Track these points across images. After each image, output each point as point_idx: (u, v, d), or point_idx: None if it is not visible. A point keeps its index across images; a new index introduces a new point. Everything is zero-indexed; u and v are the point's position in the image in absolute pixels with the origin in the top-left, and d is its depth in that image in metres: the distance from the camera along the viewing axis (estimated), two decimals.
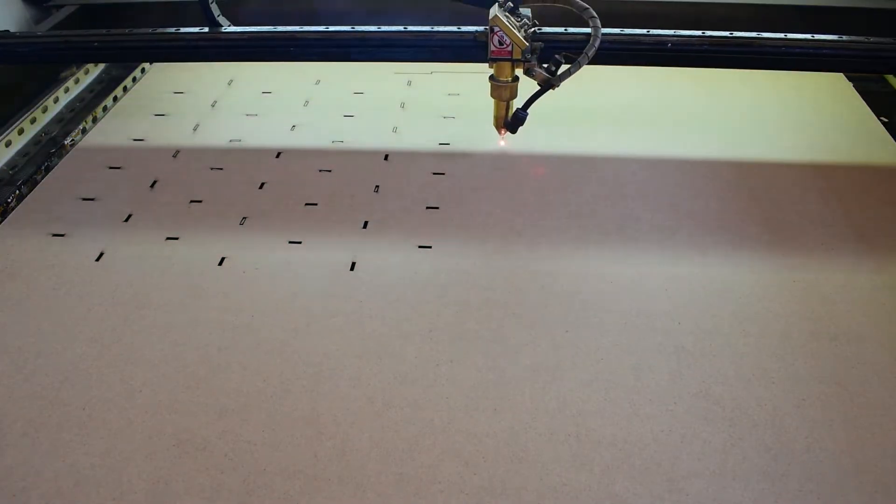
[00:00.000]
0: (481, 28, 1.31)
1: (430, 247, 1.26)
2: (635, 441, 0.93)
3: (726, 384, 1.00)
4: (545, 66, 1.24)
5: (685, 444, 0.93)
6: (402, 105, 1.71)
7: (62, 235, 1.32)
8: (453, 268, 1.21)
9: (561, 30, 1.33)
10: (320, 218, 1.34)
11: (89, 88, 1.88)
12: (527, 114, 1.30)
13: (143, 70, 1.93)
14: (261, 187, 1.42)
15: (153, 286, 1.19)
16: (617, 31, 1.35)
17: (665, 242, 1.26)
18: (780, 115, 1.63)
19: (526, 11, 1.31)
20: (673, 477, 0.89)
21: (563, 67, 1.22)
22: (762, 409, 0.97)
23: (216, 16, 1.60)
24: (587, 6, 1.27)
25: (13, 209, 1.40)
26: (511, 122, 1.32)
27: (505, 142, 1.45)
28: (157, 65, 1.97)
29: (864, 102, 1.66)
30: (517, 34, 1.21)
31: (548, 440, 0.93)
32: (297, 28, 1.52)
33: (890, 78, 1.84)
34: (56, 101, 1.79)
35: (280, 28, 1.52)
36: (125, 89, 1.85)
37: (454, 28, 1.40)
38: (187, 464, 0.92)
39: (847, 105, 1.66)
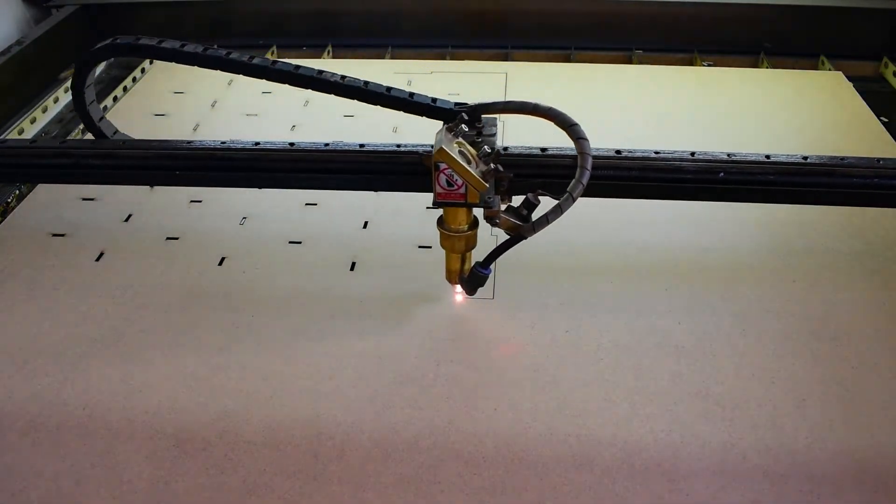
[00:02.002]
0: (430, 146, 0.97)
1: (429, 247, 1.26)
2: (635, 441, 0.93)
3: (726, 384, 1.00)
4: (515, 206, 0.95)
5: (685, 444, 0.93)
6: None
7: (62, 235, 1.32)
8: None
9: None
10: (320, 218, 1.34)
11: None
12: (488, 272, 1.02)
13: (143, 70, 1.93)
14: (260, 188, 1.42)
15: (153, 286, 1.19)
16: (649, 153, 1.03)
17: (665, 242, 1.26)
18: (780, 115, 1.63)
19: (492, 121, 1.01)
20: (673, 477, 0.89)
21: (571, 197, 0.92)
22: (762, 409, 0.97)
23: (97, 120, 1.17)
24: (575, 122, 0.96)
25: (13, 209, 1.40)
26: (468, 281, 1.05)
27: (463, 297, 1.14)
28: (157, 64, 1.97)
29: (864, 102, 1.66)
30: (472, 173, 0.91)
31: (548, 440, 0.93)
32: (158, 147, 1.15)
33: (890, 78, 1.84)
34: (56, 101, 1.79)
35: (159, 143, 1.15)
36: (125, 89, 1.85)
37: (391, 146, 1.07)
38: (187, 464, 0.92)
39: (847, 105, 1.66)
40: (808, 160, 1.03)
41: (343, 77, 1.07)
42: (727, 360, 1.04)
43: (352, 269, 1.22)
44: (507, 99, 1.00)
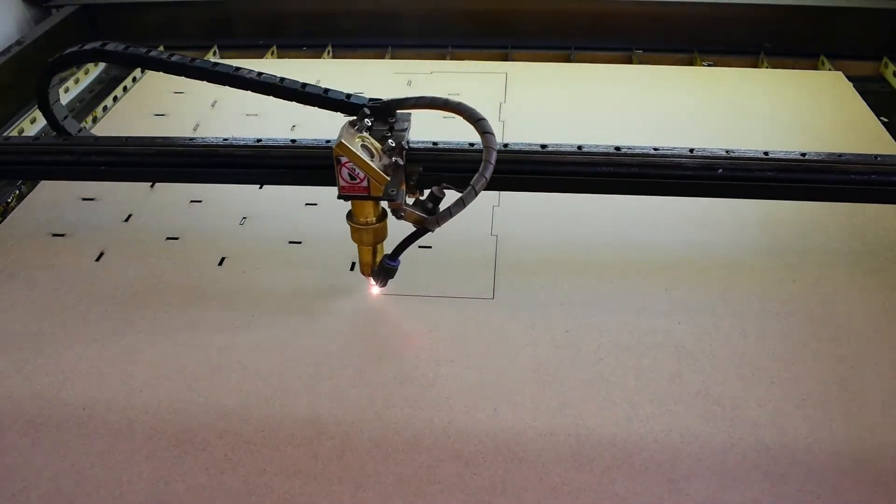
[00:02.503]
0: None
1: (430, 247, 1.26)
2: (635, 441, 0.93)
3: (726, 384, 1.00)
4: (422, 199, 0.98)
5: (685, 444, 0.93)
6: None
7: (62, 235, 1.32)
8: (453, 268, 1.21)
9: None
10: (320, 218, 1.34)
11: (89, 88, 1.89)
12: (397, 263, 1.06)
13: (143, 70, 1.93)
14: (261, 187, 1.42)
15: (153, 286, 1.19)
16: (648, 150, 1.04)
17: (665, 242, 1.26)
18: (780, 114, 1.63)
19: (405, 116, 1.04)
20: (673, 477, 0.89)
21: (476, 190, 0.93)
22: (762, 409, 0.97)
23: (61, 119, 1.22)
24: (482, 117, 0.97)
25: (13, 209, 1.40)
26: (378, 272, 1.08)
27: (379, 290, 1.15)
28: None
29: (864, 102, 1.66)
30: (373, 166, 0.94)
31: (548, 440, 0.93)
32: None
33: (890, 77, 1.84)
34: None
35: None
36: (125, 89, 1.85)
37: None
38: (187, 464, 0.92)
39: (847, 105, 1.66)
40: (806, 157, 1.04)
41: (259, 74, 1.10)
42: (727, 360, 1.04)
43: (352, 269, 1.22)
44: (420, 94, 1.03)
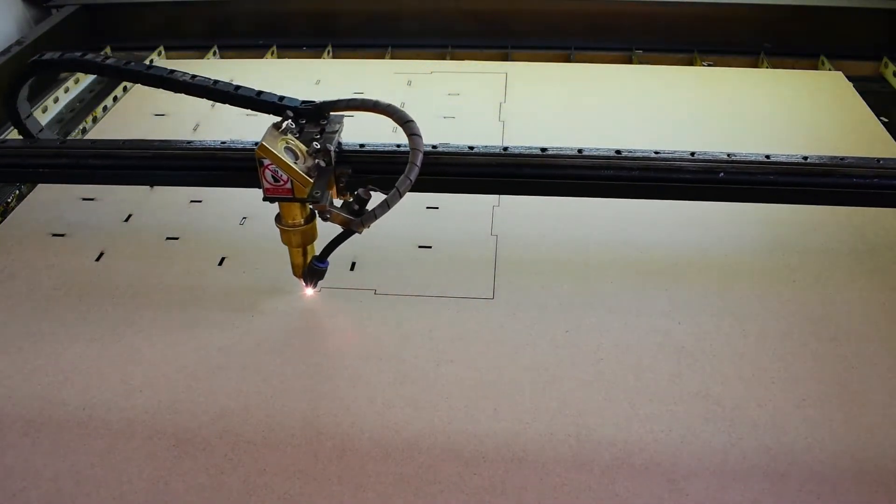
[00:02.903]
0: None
1: (430, 247, 1.26)
2: (635, 441, 0.93)
3: (726, 384, 1.00)
4: (350, 201, 0.98)
5: (685, 444, 0.93)
6: (402, 105, 1.70)
7: (62, 235, 1.32)
8: (453, 268, 1.21)
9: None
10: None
11: (89, 88, 1.89)
12: (326, 265, 1.07)
13: None
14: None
15: (153, 286, 1.19)
16: (649, 153, 1.05)
17: (665, 242, 1.26)
18: (780, 115, 1.63)
19: (338, 118, 1.05)
20: (673, 477, 0.89)
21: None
22: (762, 409, 0.97)
23: (24, 117, 1.22)
24: (410, 119, 0.99)
25: (13, 209, 1.40)
26: (307, 274, 1.09)
27: (314, 292, 1.16)
28: (157, 64, 1.97)
29: (864, 102, 1.66)
30: (295, 168, 0.95)
31: (548, 440, 0.93)
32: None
33: (890, 77, 1.84)
34: (56, 101, 1.79)
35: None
36: (125, 89, 1.85)
37: (391, 146, 1.08)
38: (187, 464, 0.92)
39: (847, 105, 1.66)
40: (808, 160, 1.04)
41: (193, 76, 1.10)
42: (727, 360, 1.04)
43: (352, 269, 1.22)
44: (351, 97, 1.06)
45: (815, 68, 1.91)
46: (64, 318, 1.14)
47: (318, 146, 0.99)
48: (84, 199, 1.41)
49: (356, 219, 0.97)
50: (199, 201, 1.39)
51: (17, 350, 1.09)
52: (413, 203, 1.35)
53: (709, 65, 1.93)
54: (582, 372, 1.02)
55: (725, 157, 1.04)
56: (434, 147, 1.08)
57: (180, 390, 1.01)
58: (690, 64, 1.95)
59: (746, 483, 0.88)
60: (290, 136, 0.98)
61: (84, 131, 1.69)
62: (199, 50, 2.06)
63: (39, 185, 1.45)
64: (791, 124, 1.59)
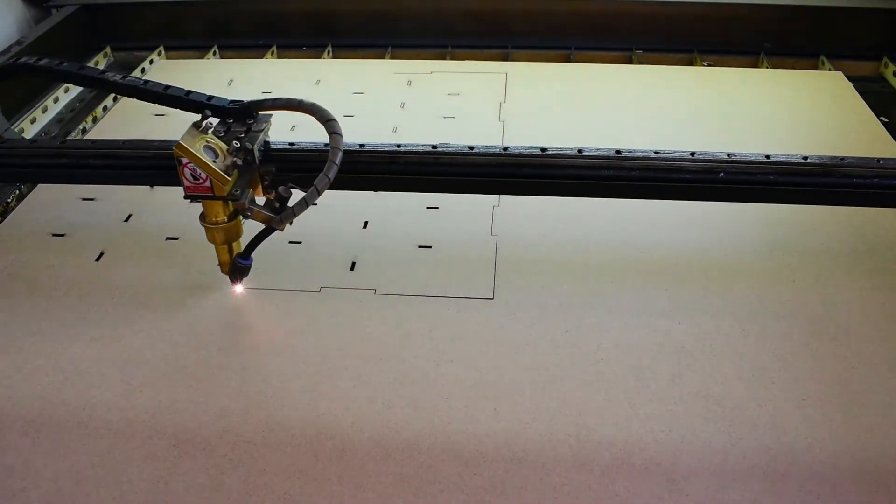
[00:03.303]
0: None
1: (430, 247, 1.26)
2: (635, 441, 0.93)
3: (726, 384, 1.00)
4: (271, 199, 1.00)
5: (685, 444, 0.93)
6: (402, 105, 1.71)
7: (62, 235, 1.32)
8: (453, 267, 1.21)
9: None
10: (320, 218, 1.34)
11: (89, 88, 1.88)
12: (249, 262, 1.08)
13: (143, 70, 1.93)
14: None
15: (153, 286, 1.19)
16: (649, 153, 1.05)
17: (665, 242, 1.26)
18: (780, 115, 1.63)
19: (265, 117, 1.06)
20: (673, 477, 0.89)
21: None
22: (762, 409, 0.97)
23: None
24: (333, 118, 1.00)
25: (13, 209, 1.40)
26: (232, 271, 1.11)
27: (242, 289, 1.16)
28: (157, 64, 1.98)
29: (864, 102, 1.66)
30: (213, 167, 0.96)
31: (548, 440, 0.93)
32: None
33: (890, 77, 1.84)
34: (56, 101, 1.79)
35: None
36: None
37: (391, 146, 1.09)
38: (187, 464, 0.92)
39: (847, 105, 1.66)
40: (808, 160, 1.04)
41: (123, 76, 1.15)
42: (727, 360, 1.04)
43: (352, 268, 1.22)
44: (277, 97, 1.07)
45: (815, 68, 1.91)
46: (64, 318, 1.14)
47: (238, 144, 1.00)
48: (84, 199, 1.41)
49: (276, 216, 0.99)
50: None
51: (17, 350, 1.09)
52: (413, 203, 1.36)
53: (709, 65, 1.93)
54: (582, 372, 1.02)
55: (725, 157, 1.04)
56: (434, 147, 1.08)
57: (180, 390, 1.01)
58: (690, 64, 1.95)
59: (746, 483, 0.88)
60: (210, 134, 1.00)
61: (84, 131, 1.69)
62: (199, 50, 2.06)
63: (39, 185, 1.45)
64: (791, 124, 1.59)
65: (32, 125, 1.71)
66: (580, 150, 1.06)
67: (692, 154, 1.05)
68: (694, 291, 1.16)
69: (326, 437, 0.95)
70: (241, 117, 1.05)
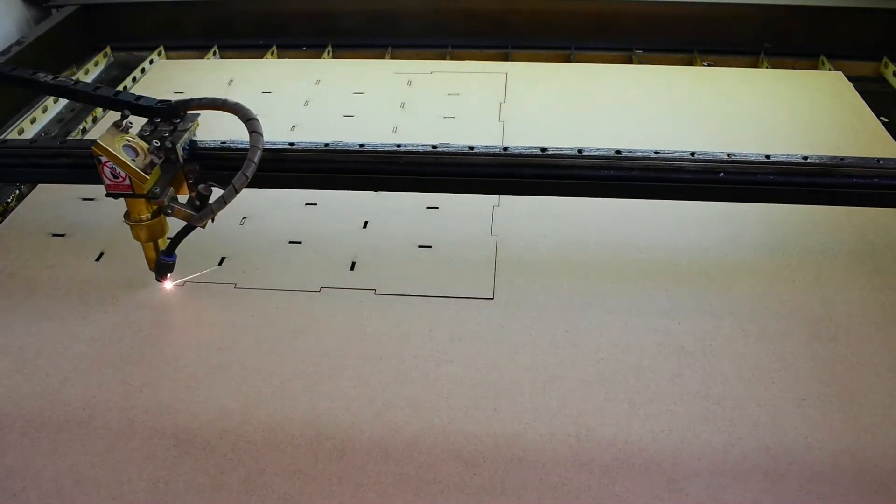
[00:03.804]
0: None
1: (430, 246, 1.26)
2: (635, 441, 0.93)
3: (726, 384, 1.00)
4: (192, 197, 1.03)
5: (685, 444, 0.93)
6: (402, 105, 1.71)
7: (62, 235, 1.32)
8: (453, 268, 1.21)
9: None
10: (320, 218, 1.34)
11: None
12: (172, 259, 1.10)
13: (143, 70, 1.93)
14: (260, 188, 1.42)
15: (153, 286, 1.19)
16: (649, 153, 1.05)
17: (665, 242, 1.26)
18: (780, 115, 1.63)
19: (191, 117, 1.08)
20: (673, 477, 0.89)
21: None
22: (762, 409, 0.97)
23: None
24: (254, 117, 1.02)
25: (13, 209, 1.40)
26: (156, 269, 1.12)
27: (172, 285, 1.18)
28: (157, 64, 1.97)
29: (864, 102, 1.66)
30: (132, 166, 0.98)
31: (548, 440, 0.93)
32: None
33: (890, 77, 1.84)
34: (56, 101, 1.79)
35: None
36: (125, 89, 1.85)
37: (391, 146, 1.10)
38: (187, 464, 0.92)
39: (847, 105, 1.66)
40: (808, 160, 1.04)
41: (54, 77, 1.15)
42: (727, 360, 1.04)
43: (352, 268, 1.22)
44: (203, 96, 1.09)
45: (815, 68, 1.91)
46: (64, 318, 1.14)
47: (158, 143, 1.02)
48: (84, 199, 1.41)
49: (196, 214, 1.02)
50: None
51: (17, 350, 1.09)
52: (413, 203, 1.36)
53: (709, 65, 1.93)
54: (582, 372, 1.02)
55: (725, 157, 1.05)
56: (434, 147, 1.08)
57: (180, 390, 1.01)
58: (690, 64, 1.95)
59: (746, 483, 0.88)
60: (131, 134, 1.01)
61: (84, 131, 1.69)
62: (199, 50, 2.06)
63: (39, 185, 1.45)
64: (791, 124, 1.59)
65: (32, 125, 1.71)
66: (580, 151, 1.06)
67: (692, 154, 1.05)
68: (694, 291, 1.16)
69: (326, 437, 0.95)
70: (168, 117, 1.06)
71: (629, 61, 1.97)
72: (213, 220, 1.03)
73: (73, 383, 1.03)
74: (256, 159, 0.99)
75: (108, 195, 1.02)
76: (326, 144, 1.10)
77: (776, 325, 1.09)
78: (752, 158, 1.04)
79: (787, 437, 0.93)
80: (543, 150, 1.07)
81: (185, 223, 1.05)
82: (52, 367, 1.06)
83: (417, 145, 1.08)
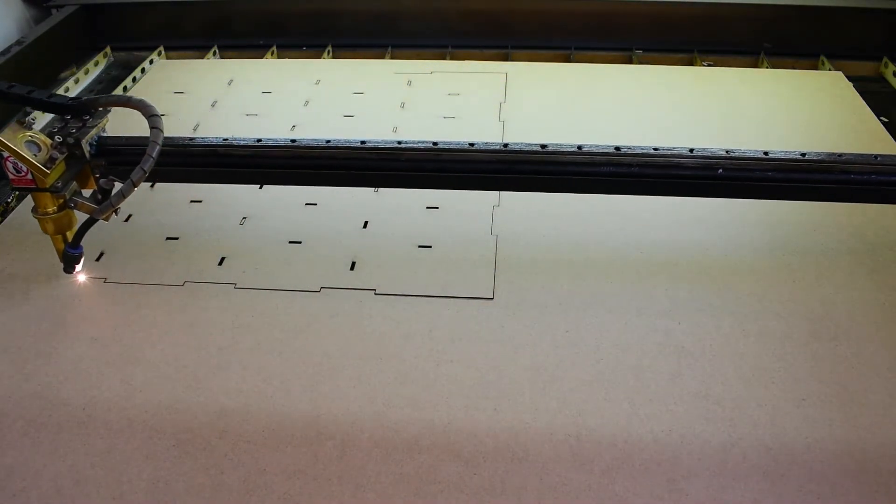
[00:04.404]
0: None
1: (430, 246, 1.26)
2: (635, 441, 0.93)
3: (726, 384, 1.00)
4: (95, 191, 1.08)
5: (685, 444, 0.93)
6: (402, 105, 1.71)
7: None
8: (453, 268, 1.21)
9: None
10: (320, 218, 1.34)
11: (89, 88, 1.89)
12: (79, 251, 1.14)
13: (143, 70, 1.93)
14: (261, 187, 1.42)
15: (153, 286, 1.19)
16: (648, 150, 1.06)
17: (665, 242, 1.26)
18: (780, 115, 1.63)
19: (102, 113, 1.11)
20: (673, 477, 0.89)
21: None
22: (762, 409, 0.97)
23: None
24: (156, 113, 1.05)
25: (13, 209, 1.40)
26: (63, 261, 1.16)
27: (85, 277, 1.21)
28: (157, 63, 1.98)
29: (864, 102, 1.66)
30: (32, 161, 1.00)
31: (548, 440, 0.93)
32: None
33: (890, 77, 1.84)
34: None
35: None
36: (125, 89, 1.85)
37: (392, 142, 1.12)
38: (187, 464, 0.92)
39: (847, 105, 1.66)
40: (806, 157, 1.05)
41: None
42: (727, 360, 1.04)
43: (352, 268, 1.22)
44: (110, 94, 1.24)
45: (815, 68, 1.91)
46: (64, 318, 1.14)
47: (61, 139, 1.06)
48: None
49: (97, 207, 1.06)
50: (199, 201, 1.39)
51: (17, 350, 1.09)
52: (413, 203, 1.36)
53: (709, 65, 1.93)
54: (582, 372, 1.02)
55: (724, 153, 1.05)
56: (435, 144, 1.09)
57: (180, 390, 1.01)
58: (690, 64, 1.95)
59: (746, 483, 0.88)
60: (34, 130, 1.05)
61: None
62: (199, 50, 2.06)
63: None
64: (791, 124, 1.59)
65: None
66: (580, 147, 1.07)
67: (691, 150, 1.05)
68: (694, 291, 1.16)
69: (326, 437, 0.95)
70: (78, 114, 1.10)
71: (629, 61, 1.97)
72: (116, 213, 1.07)
73: (73, 383, 1.03)
74: (155, 154, 1.01)
75: (12, 189, 1.08)
76: (328, 141, 1.10)
77: (776, 325, 1.09)
78: (751, 155, 1.05)
79: (787, 437, 0.93)
80: (543, 146, 1.07)
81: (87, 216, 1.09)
82: (52, 367, 1.06)
83: (418, 142, 1.09)
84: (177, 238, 1.30)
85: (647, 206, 1.32)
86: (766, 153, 1.05)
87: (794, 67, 1.90)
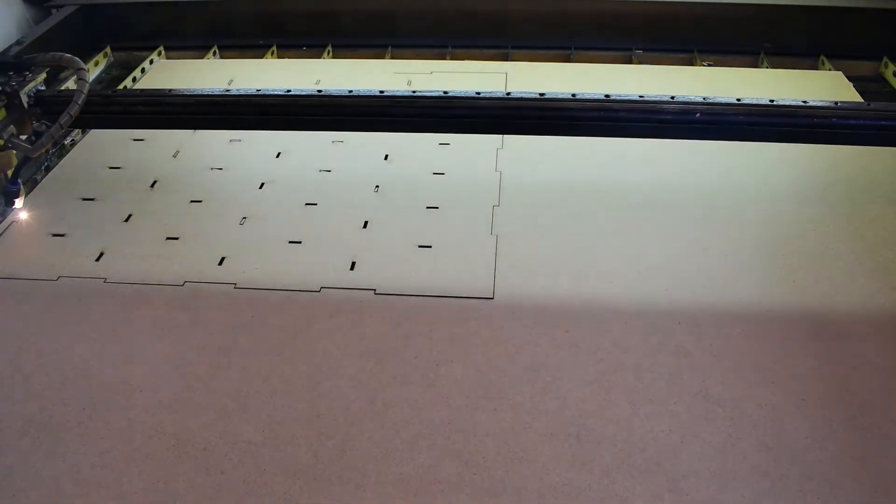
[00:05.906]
0: None
1: (429, 246, 1.26)
2: (635, 441, 0.93)
3: (726, 384, 1.00)
4: (30, 135, 1.24)
5: (685, 444, 0.93)
6: None
7: (62, 235, 1.32)
8: (453, 268, 1.21)
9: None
10: (320, 218, 1.34)
11: (89, 88, 1.88)
12: (17, 185, 1.28)
13: (143, 70, 1.93)
14: (261, 187, 1.42)
15: (153, 286, 1.19)
16: (633, 97, 1.18)
17: (665, 242, 1.26)
18: None
19: (39, 70, 1.27)
20: (673, 477, 0.89)
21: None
22: (762, 409, 0.97)
23: None
24: (83, 67, 1.22)
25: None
26: (3, 195, 1.31)
27: (26, 214, 1.36)
28: (157, 63, 1.97)
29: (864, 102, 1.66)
30: None
31: (548, 440, 0.93)
32: None
33: (890, 77, 1.84)
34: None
35: None
36: (125, 89, 1.85)
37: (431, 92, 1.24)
38: (187, 464, 0.92)
39: None
40: (775, 102, 1.15)
41: None
42: (727, 360, 1.04)
43: (352, 268, 1.22)
44: (44, 53, 1.33)
45: (815, 68, 1.91)
46: (64, 318, 1.14)
47: (0, 89, 1.22)
48: (84, 200, 1.41)
49: (30, 147, 1.20)
50: (199, 201, 1.39)
51: (18, 350, 1.09)
52: (413, 203, 1.36)
53: (709, 65, 1.92)
54: (582, 372, 1.02)
55: (701, 99, 1.16)
56: (445, 93, 1.21)
57: (180, 390, 1.01)
58: (690, 64, 1.95)
59: (746, 483, 0.88)
60: None
61: (84, 131, 1.69)
62: (199, 50, 2.06)
63: (40, 185, 1.45)
64: None
65: None
66: (573, 95, 1.19)
67: (672, 97, 1.16)
68: (694, 291, 1.16)
69: (326, 437, 0.95)
70: (18, 70, 1.27)
71: (629, 61, 1.97)
72: (47, 151, 1.28)
73: (73, 383, 1.03)
74: (80, 101, 1.17)
75: None
76: (350, 91, 1.23)
77: (776, 326, 1.09)
78: (725, 101, 1.15)
79: (787, 437, 0.93)
80: (541, 94, 1.19)
81: (24, 155, 1.25)
82: (52, 367, 1.06)
83: (431, 91, 1.22)
84: (177, 238, 1.30)
85: (647, 206, 1.32)
86: (738, 99, 1.15)
87: (794, 67, 1.90)
